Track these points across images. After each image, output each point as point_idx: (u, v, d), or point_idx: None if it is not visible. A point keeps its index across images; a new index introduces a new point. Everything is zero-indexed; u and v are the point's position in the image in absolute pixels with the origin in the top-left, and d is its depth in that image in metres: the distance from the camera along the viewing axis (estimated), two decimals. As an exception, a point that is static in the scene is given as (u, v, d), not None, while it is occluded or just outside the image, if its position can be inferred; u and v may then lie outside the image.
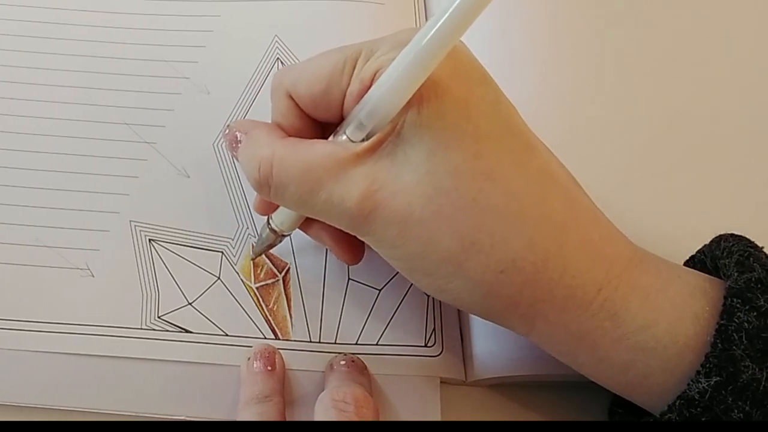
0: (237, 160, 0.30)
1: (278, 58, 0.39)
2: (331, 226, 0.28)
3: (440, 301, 0.34)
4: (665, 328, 0.25)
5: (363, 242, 0.31)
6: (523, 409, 0.32)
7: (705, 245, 0.29)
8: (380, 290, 0.34)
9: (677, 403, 0.24)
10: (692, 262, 0.29)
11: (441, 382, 0.32)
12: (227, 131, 0.30)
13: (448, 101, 0.25)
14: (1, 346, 0.31)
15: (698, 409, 0.23)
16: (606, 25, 0.40)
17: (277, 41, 0.39)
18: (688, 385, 0.24)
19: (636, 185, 0.35)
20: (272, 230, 0.31)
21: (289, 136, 0.28)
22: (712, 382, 0.23)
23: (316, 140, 0.27)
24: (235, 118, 0.37)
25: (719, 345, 0.23)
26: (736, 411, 0.23)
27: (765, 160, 0.36)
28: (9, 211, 0.34)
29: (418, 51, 0.23)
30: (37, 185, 0.35)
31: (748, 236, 0.27)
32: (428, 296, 0.34)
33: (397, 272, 0.33)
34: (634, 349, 0.25)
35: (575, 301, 0.25)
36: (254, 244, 0.33)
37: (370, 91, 0.25)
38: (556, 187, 0.26)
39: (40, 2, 0.40)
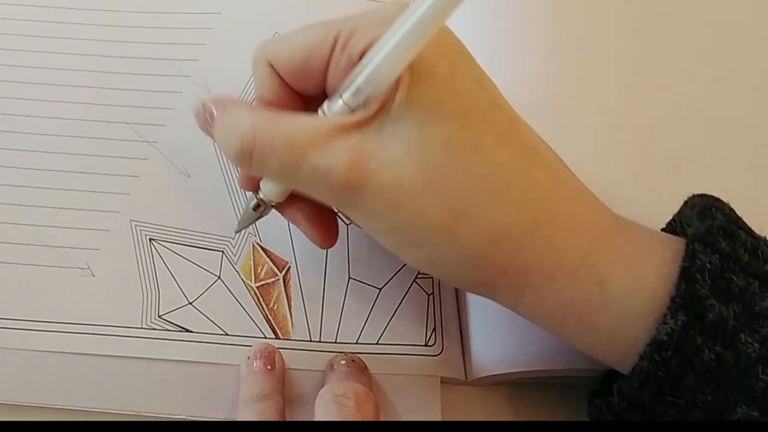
0: (212, 136, 0.28)
1: (279, 57, 0.39)
2: (306, 206, 0.27)
3: (440, 301, 0.34)
4: (649, 294, 0.25)
5: (337, 224, 0.31)
6: (523, 409, 0.33)
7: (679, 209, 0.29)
8: (381, 289, 0.34)
9: (647, 350, 0.24)
10: (669, 228, 0.29)
11: (441, 381, 0.32)
12: (201, 107, 0.28)
13: (437, 78, 0.25)
14: (1, 346, 0.31)
15: (668, 352, 0.24)
16: (606, 22, 0.40)
17: (277, 39, 0.39)
18: (657, 328, 0.24)
19: (636, 184, 0.35)
20: (260, 200, 0.30)
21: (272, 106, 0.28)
22: (679, 322, 0.23)
23: (299, 112, 0.27)
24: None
25: (683, 285, 0.24)
26: (707, 352, 0.23)
27: (765, 160, 0.36)
28: (10, 211, 0.34)
29: (427, 7, 0.22)
30: (37, 185, 0.35)
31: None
32: (428, 295, 0.34)
33: (398, 271, 0.34)
34: (621, 315, 0.25)
35: (563, 269, 0.25)
36: (240, 217, 0.32)
37: (368, 53, 0.25)
38: (541, 160, 0.26)
39: (41, 2, 0.40)
